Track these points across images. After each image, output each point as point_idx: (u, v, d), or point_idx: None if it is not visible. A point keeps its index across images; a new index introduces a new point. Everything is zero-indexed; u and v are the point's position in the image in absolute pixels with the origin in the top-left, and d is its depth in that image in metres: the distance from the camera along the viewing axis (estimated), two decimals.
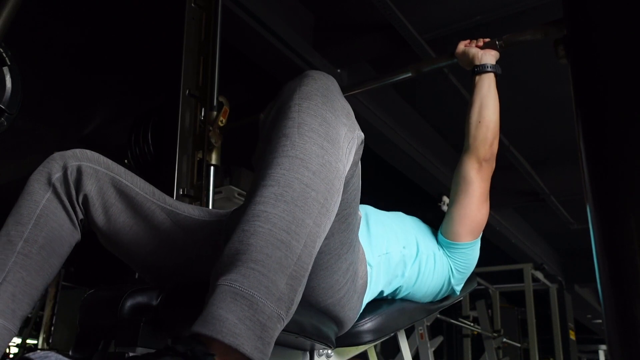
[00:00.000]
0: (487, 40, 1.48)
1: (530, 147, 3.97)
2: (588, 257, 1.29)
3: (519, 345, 6.19)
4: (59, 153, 1.03)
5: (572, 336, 6.17)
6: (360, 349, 1.19)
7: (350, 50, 2.89)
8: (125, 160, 2.18)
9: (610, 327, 1.00)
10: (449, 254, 1.32)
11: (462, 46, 1.50)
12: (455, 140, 4.16)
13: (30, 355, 0.69)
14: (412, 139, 3.71)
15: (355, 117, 0.88)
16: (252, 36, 2.45)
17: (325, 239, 0.85)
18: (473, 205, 1.31)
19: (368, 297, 1.12)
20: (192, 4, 2.04)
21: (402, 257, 1.20)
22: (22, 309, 0.95)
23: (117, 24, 2.84)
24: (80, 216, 1.03)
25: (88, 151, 1.05)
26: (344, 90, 2.17)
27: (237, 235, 0.71)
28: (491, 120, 1.34)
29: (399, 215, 1.37)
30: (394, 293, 1.24)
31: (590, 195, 1.11)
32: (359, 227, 1.00)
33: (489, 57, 1.43)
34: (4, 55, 1.38)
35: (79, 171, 1.01)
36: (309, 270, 0.74)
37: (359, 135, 0.86)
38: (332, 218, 0.78)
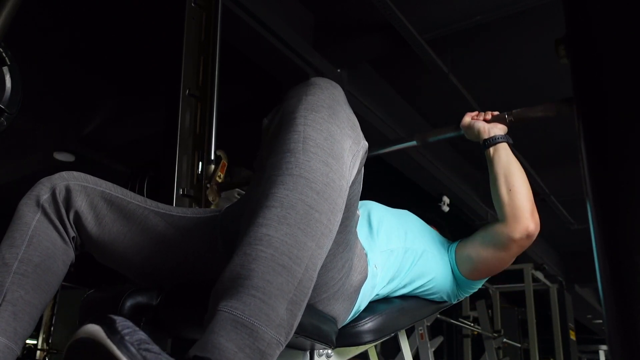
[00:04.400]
0: (495, 113, 1.39)
1: (531, 147, 3.97)
2: (588, 257, 1.29)
3: (519, 345, 6.19)
4: (46, 177, 1.04)
5: (572, 336, 6.17)
6: (360, 349, 1.19)
7: (350, 50, 2.89)
8: None
9: (611, 327, 1.00)
10: (457, 281, 1.32)
11: (468, 119, 1.41)
12: (456, 140, 4.17)
13: (116, 319, 0.65)
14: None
15: (356, 117, 0.88)
16: (252, 36, 2.45)
17: None
18: (498, 265, 1.27)
19: (370, 293, 1.11)
20: (192, 4, 2.04)
21: (405, 253, 1.21)
22: (24, 328, 0.94)
23: (117, 24, 2.84)
24: (72, 234, 1.03)
25: (75, 172, 1.05)
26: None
27: (239, 258, 0.70)
28: (522, 186, 1.23)
29: (403, 213, 1.36)
30: (397, 289, 1.24)
31: (591, 195, 1.10)
32: (356, 225, 1.00)
33: (497, 130, 1.34)
34: (4, 55, 1.38)
35: (68, 190, 1.02)
36: (310, 294, 0.73)
37: (364, 145, 0.85)
38: (334, 236, 0.78)
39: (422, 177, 4.05)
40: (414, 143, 1.61)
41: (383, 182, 4.45)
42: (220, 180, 1.90)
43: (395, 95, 3.54)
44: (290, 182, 0.73)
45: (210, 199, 1.88)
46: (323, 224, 0.73)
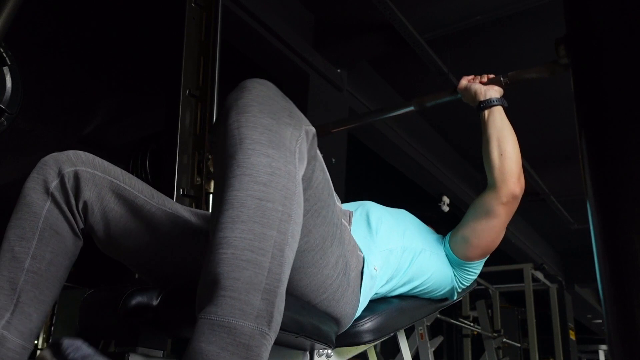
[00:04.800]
0: (491, 76, 1.44)
1: (531, 147, 3.96)
2: (588, 257, 1.29)
3: (519, 345, 6.19)
4: (52, 156, 1.00)
5: (572, 336, 6.17)
6: (360, 349, 1.19)
7: (350, 50, 2.89)
8: None
9: (610, 327, 1.00)
10: (454, 267, 1.33)
11: (464, 82, 1.47)
12: (456, 140, 4.17)
13: (62, 341, 0.71)
14: (412, 139, 3.71)
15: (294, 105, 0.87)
16: (252, 36, 2.45)
17: (304, 236, 0.87)
18: (492, 237, 1.30)
19: (368, 293, 1.12)
20: (192, 4, 2.04)
21: (404, 252, 1.21)
22: (38, 327, 0.95)
23: (117, 24, 2.84)
24: (81, 225, 1.01)
25: (82, 153, 1.02)
26: (343, 122, 2.14)
27: (205, 266, 0.72)
28: (513, 152, 1.29)
29: (402, 212, 1.37)
30: (396, 288, 1.24)
31: (591, 195, 1.10)
32: (340, 218, 1.00)
33: (493, 92, 1.39)
34: (4, 55, 1.39)
35: (77, 177, 0.98)
36: (285, 279, 0.74)
37: (308, 130, 0.83)
38: (299, 221, 0.78)
39: (422, 177, 4.05)
40: (411, 108, 1.64)
41: (383, 182, 4.45)
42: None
43: (395, 95, 3.54)
44: (235, 182, 0.74)
45: (212, 169, 1.89)
46: (279, 210, 0.74)
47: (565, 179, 4.37)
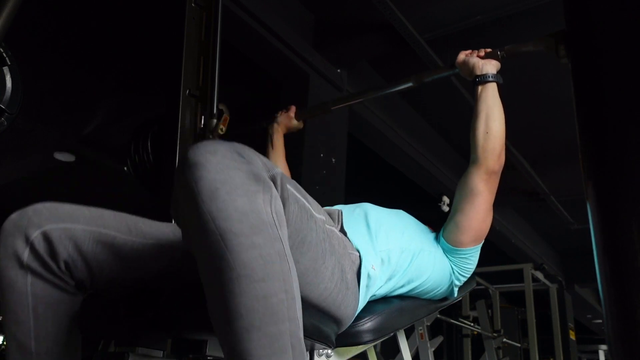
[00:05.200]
0: (488, 50, 1.47)
1: (531, 147, 3.97)
2: (588, 257, 1.30)
3: (519, 345, 6.19)
4: (12, 221, 0.93)
5: (572, 336, 6.17)
6: (360, 349, 1.19)
7: (350, 50, 2.89)
8: (125, 168, 2.18)
9: (610, 327, 1.00)
10: (450, 258, 1.33)
11: (462, 56, 1.50)
12: (456, 140, 4.17)
13: None
14: (412, 139, 3.71)
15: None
16: (252, 36, 2.45)
17: (295, 265, 0.83)
18: (479, 215, 1.31)
19: (367, 291, 1.11)
20: (192, 4, 2.03)
21: (402, 252, 1.21)
22: None
23: (117, 24, 2.84)
24: (73, 282, 0.97)
25: (42, 207, 0.95)
26: (342, 100, 2.13)
27: None
28: (498, 131, 1.32)
29: (399, 213, 1.37)
30: (395, 289, 1.24)
31: (590, 195, 1.11)
32: (325, 229, 0.97)
33: (490, 66, 1.42)
34: (4, 55, 1.38)
35: (47, 239, 0.92)
36: (302, 335, 0.76)
37: (275, 177, 0.79)
38: (296, 277, 0.78)
39: (422, 177, 4.05)
40: (410, 84, 1.65)
41: (383, 182, 4.46)
42: (222, 133, 1.90)
43: (395, 95, 3.54)
44: (235, 287, 0.71)
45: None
46: (283, 299, 0.74)
47: (565, 179, 4.36)
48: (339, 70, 2.95)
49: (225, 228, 0.71)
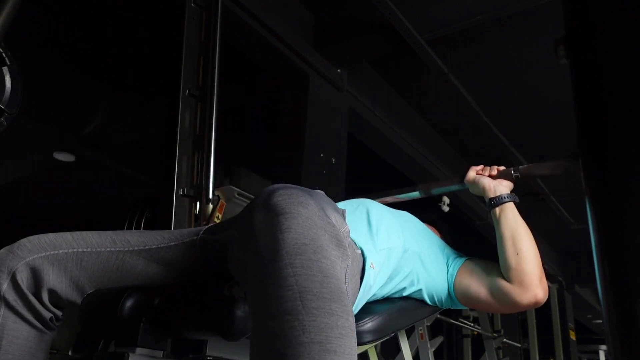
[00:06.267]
0: (501, 168, 1.37)
1: (530, 147, 3.97)
2: (588, 257, 1.29)
3: (519, 345, 6.19)
4: None
5: (572, 336, 6.17)
6: (360, 349, 1.19)
7: (350, 50, 2.89)
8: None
9: (610, 327, 1.00)
10: (450, 296, 1.30)
11: (472, 173, 1.39)
12: (456, 141, 4.17)
13: None
14: (412, 139, 3.71)
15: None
16: (252, 36, 2.45)
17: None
18: (494, 311, 1.29)
19: (366, 289, 1.11)
20: (192, 4, 2.04)
21: (404, 253, 1.20)
22: None
23: (117, 24, 2.84)
24: (49, 315, 0.97)
25: (26, 240, 0.97)
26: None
27: None
28: (529, 251, 1.20)
29: (403, 213, 1.36)
30: (395, 292, 1.24)
31: (590, 195, 1.11)
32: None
33: (503, 187, 1.32)
34: (4, 55, 1.38)
35: (32, 270, 0.94)
36: None
37: (351, 248, 0.78)
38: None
39: (422, 177, 4.05)
40: (417, 194, 1.59)
41: (383, 183, 4.45)
42: (218, 221, 1.89)
43: (395, 95, 3.54)
44: (304, 352, 0.66)
45: (216, 220, 1.88)
46: None
47: (565, 179, 4.36)
48: (339, 70, 2.95)
49: (308, 286, 0.69)
